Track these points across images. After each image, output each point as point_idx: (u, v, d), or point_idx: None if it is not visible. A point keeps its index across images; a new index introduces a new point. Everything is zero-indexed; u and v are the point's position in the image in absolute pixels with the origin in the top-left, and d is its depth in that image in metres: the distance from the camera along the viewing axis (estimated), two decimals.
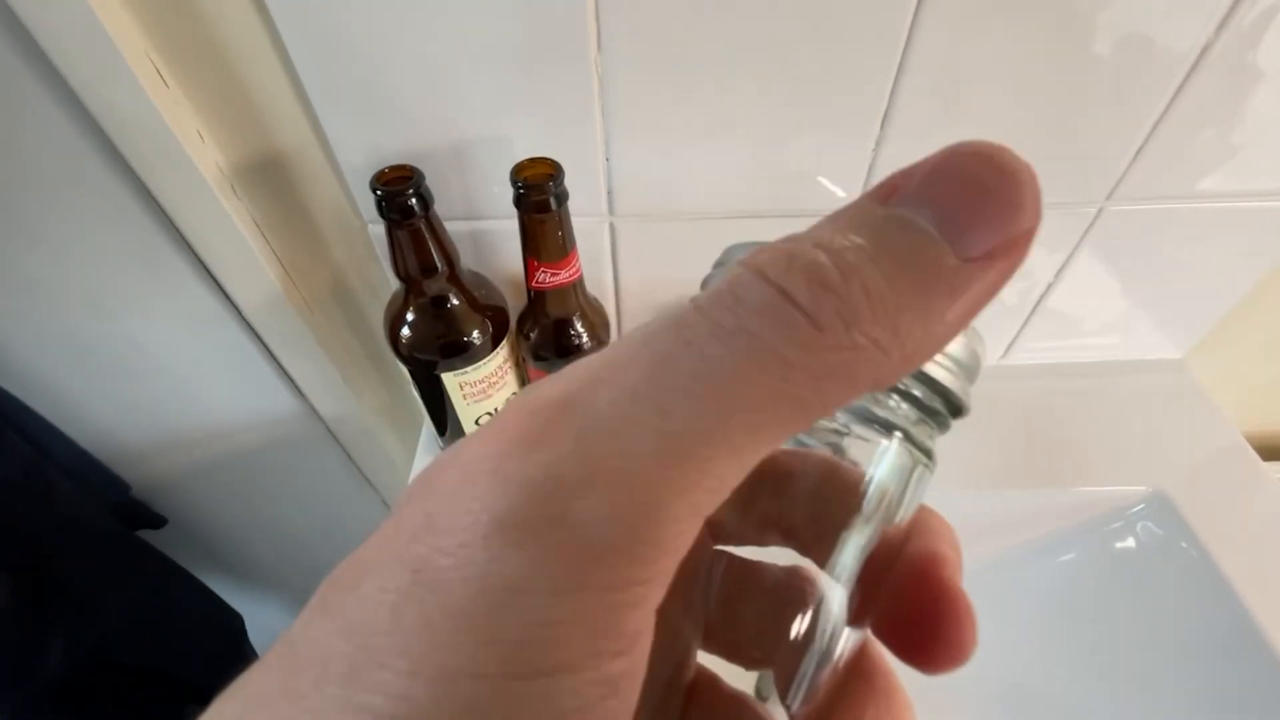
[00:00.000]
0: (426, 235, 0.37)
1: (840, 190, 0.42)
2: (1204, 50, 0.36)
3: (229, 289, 0.48)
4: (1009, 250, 0.09)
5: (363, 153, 0.40)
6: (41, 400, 0.61)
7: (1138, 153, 0.40)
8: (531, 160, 0.37)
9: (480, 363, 0.43)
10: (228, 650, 0.81)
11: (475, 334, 0.42)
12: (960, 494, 0.50)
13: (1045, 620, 0.51)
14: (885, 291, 0.09)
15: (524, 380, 0.50)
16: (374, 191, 0.36)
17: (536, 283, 0.40)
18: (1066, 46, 0.35)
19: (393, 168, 0.37)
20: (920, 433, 0.12)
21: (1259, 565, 0.44)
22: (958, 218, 0.09)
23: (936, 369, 0.11)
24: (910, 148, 0.40)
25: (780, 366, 0.09)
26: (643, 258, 0.47)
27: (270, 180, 0.44)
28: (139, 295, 0.51)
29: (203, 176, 0.41)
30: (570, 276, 0.40)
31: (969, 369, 0.12)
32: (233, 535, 0.84)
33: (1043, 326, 0.54)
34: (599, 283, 0.48)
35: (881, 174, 0.41)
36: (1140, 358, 0.57)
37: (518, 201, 0.36)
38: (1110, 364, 0.57)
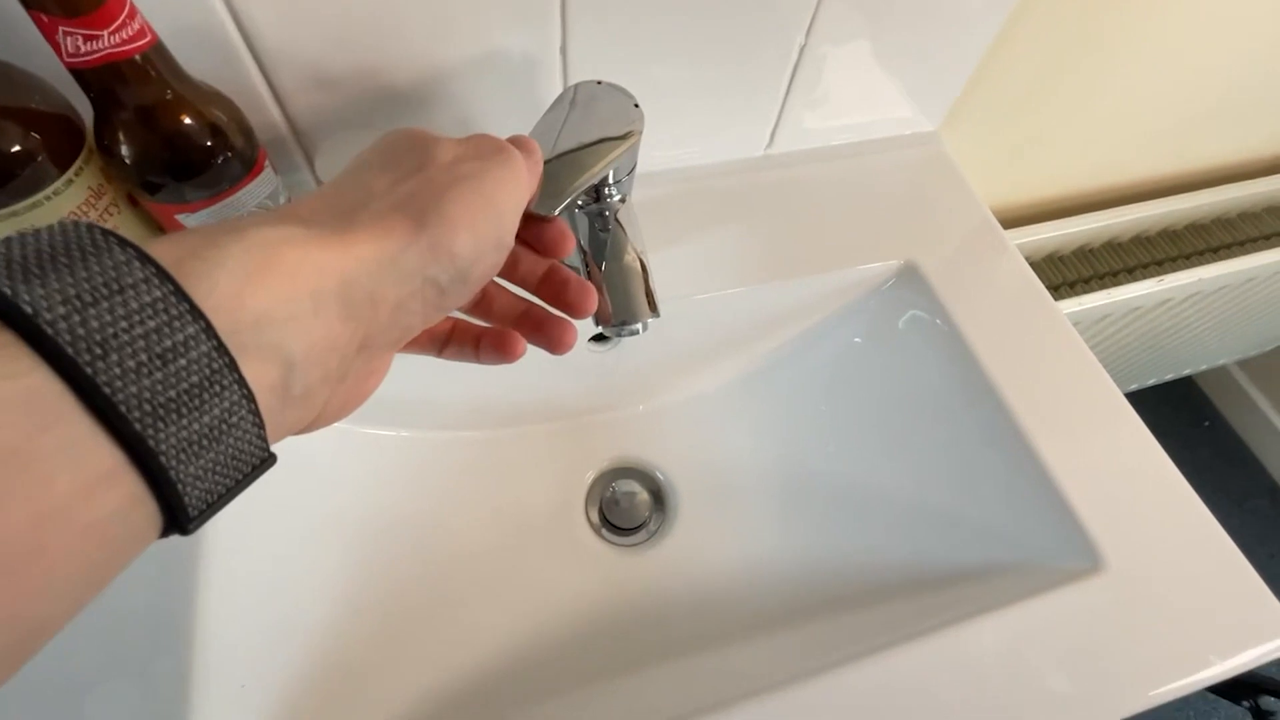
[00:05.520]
0: None
1: None
2: None
3: None
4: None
5: None
6: None
7: None
8: None
9: (35, 197, 0.29)
10: None
11: (14, 150, 0.28)
12: (728, 291, 0.46)
13: (818, 399, 0.51)
14: None
15: (151, 224, 0.36)
16: None
17: (68, 56, 0.26)
18: None
19: None
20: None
21: (995, 328, 0.45)
22: None
23: None
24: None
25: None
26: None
27: None
28: None
29: None
30: (126, 41, 0.26)
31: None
32: None
33: (798, 114, 0.49)
34: (222, 64, 0.34)
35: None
36: (897, 134, 0.55)
37: None
38: (869, 143, 0.54)
